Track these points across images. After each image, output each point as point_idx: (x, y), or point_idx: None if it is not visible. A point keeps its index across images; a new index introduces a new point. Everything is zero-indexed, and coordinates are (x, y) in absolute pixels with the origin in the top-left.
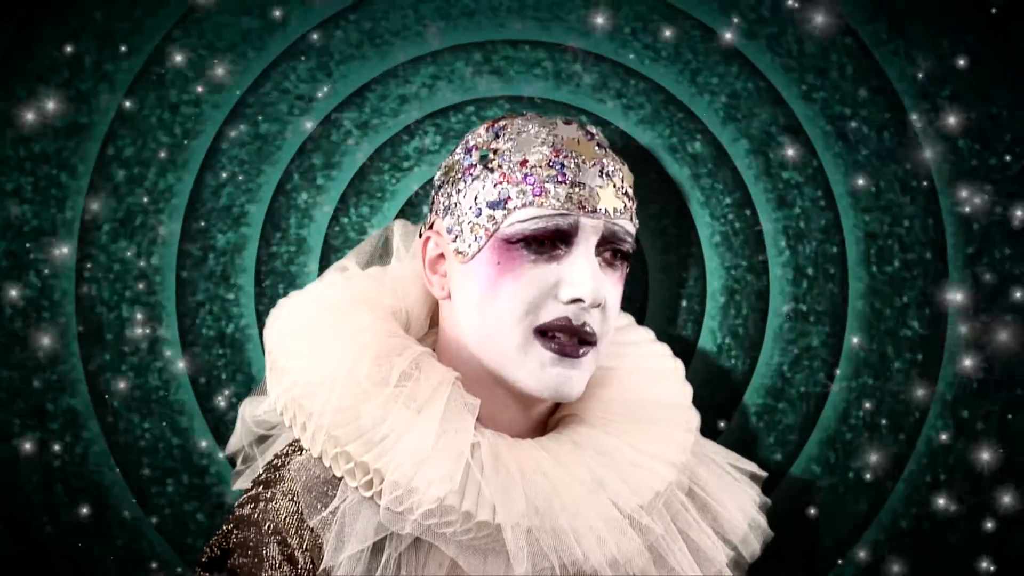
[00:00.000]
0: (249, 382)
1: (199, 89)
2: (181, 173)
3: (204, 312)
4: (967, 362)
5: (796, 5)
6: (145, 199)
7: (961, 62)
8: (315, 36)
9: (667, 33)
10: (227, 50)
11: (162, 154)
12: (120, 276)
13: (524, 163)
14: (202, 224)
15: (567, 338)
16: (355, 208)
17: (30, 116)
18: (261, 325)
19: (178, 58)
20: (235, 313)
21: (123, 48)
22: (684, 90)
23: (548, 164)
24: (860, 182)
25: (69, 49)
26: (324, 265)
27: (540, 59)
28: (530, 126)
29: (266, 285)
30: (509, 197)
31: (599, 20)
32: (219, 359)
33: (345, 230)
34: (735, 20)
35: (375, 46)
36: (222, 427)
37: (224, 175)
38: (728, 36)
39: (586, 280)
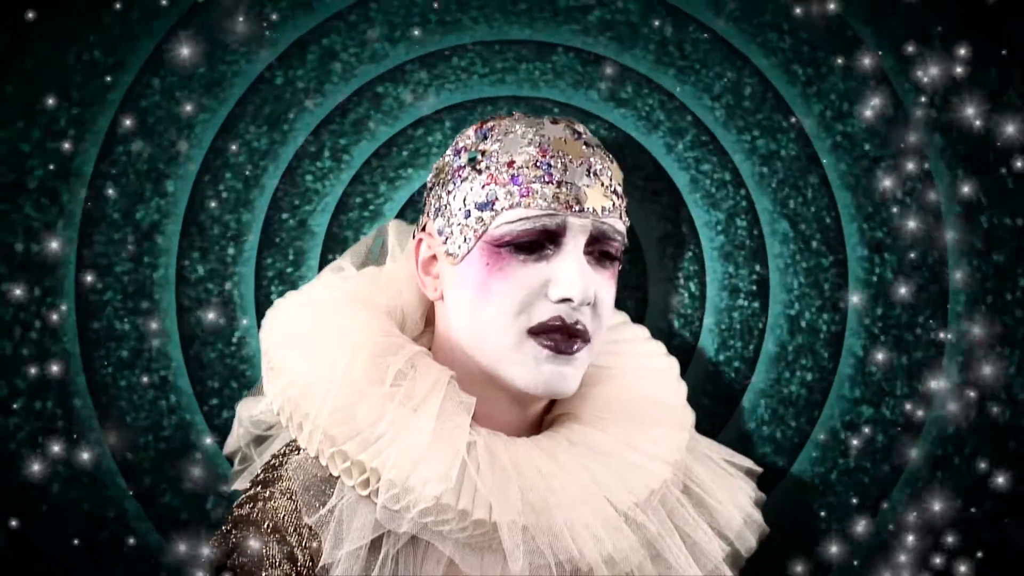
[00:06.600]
0: (250, 383)
1: (198, 92)
2: (182, 171)
3: (204, 312)
4: (973, 369)
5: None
6: (145, 196)
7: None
8: (310, 41)
9: (666, 31)
10: (225, 52)
11: (162, 155)
12: (120, 274)
13: (511, 164)
14: (202, 223)
15: (560, 336)
16: (355, 208)
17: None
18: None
19: (172, 62)
20: (234, 312)
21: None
22: (684, 89)
23: (535, 164)
24: (866, 183)
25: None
26: (323, 265)
27: (544, 59)
28: (517, 126)
29: (265, 284)
30: (496, 198)
31: (596, 20)
32: (219, 359)
33: (345, 230)
34: (729, 16)
35: (374, 46)
36: (222, 427)
37: (224, 174)
38: (724, 33)
39: (575, 280)
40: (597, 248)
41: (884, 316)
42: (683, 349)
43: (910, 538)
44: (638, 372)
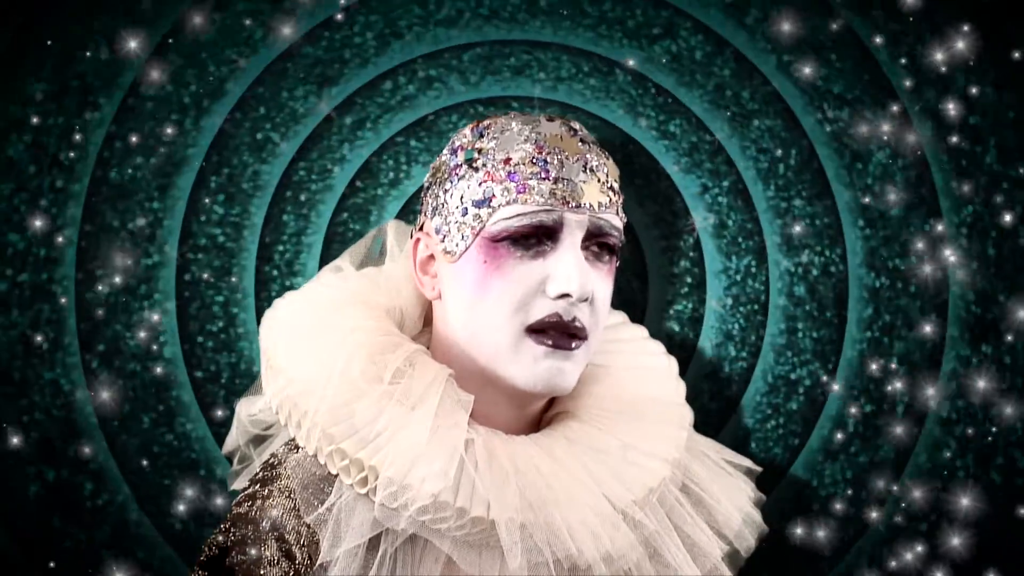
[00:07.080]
0: (249, 382)
1: (198, 88)
2: (182, 169)
3: (204, 311)
4: (974, 365)
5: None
6: (146, 195)
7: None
8: (312, 38)
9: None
10: (228, 51)
11: (163, 150)
12: (121, 273)
13: (508, 161)
14: (202, 221)
15: (558, 334)
16: (355, 208)
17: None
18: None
19: (174, 60)
20: (235, 312)
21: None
22: (686, 90)
23: (531, 161)
24: (861, 187)
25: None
26: (323, 264)
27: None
28: (513, 124)
29: (266, 280)
30: (493, 195)
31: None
32: (219, 359)
33: (345, 229)
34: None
35: (378, 44)
36: (221, 427)
37: (224, 172)
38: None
39: (573, 275)
40: (594, 244)
41: (885, 315)
42: (684, 349)
43: (910, 538)
44: (637, 371)
